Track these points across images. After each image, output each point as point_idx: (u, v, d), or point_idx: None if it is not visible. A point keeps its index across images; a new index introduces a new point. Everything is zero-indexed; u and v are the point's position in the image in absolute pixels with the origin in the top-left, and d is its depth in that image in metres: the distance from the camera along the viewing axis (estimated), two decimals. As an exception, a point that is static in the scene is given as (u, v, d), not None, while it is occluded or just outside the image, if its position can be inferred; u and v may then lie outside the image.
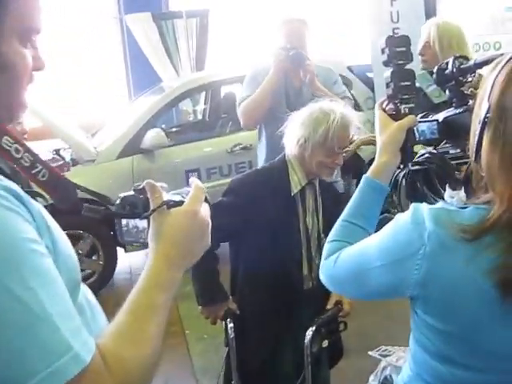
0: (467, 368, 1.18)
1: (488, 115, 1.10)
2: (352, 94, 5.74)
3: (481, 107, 1.13)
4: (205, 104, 7.12)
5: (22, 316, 0.76)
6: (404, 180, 1.55)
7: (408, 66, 1.56)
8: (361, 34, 7.74)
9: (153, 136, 5.05)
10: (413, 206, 1.21)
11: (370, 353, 2.08)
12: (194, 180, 1.11)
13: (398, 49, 1.52)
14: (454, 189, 1.51)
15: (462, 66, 1.53)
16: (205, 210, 1.07)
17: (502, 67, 1.10)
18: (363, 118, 2.52)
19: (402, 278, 1.19)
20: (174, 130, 6.69)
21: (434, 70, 1.60)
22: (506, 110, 1.07)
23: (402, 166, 1.54)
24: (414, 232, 1.15)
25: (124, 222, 1.11)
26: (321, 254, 2.10)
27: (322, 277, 1.44)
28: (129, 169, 5.04)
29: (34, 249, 0.81)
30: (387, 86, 1.54)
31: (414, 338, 1.30)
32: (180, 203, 1.05)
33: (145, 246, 1.06)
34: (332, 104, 2.34)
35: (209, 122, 6.81)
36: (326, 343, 2.10)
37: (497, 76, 1.10)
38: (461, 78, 1.54)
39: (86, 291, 1.03)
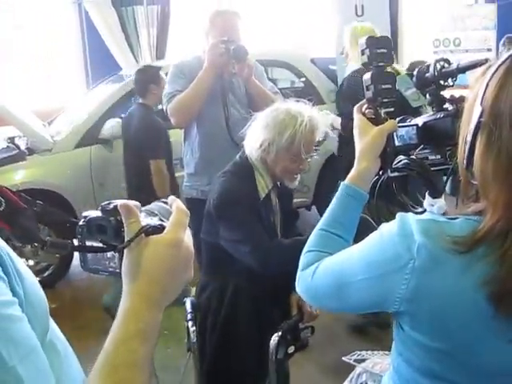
0: None
1: (481, 120, 1.04)
2: (315, 87, 5.76)
3: (472, 112, 1.07)
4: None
5: None
6: (381, 187, 1.49)
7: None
8: (325, 27, 7.73)
9: (112, 126, 4.94)
10: (399, 216, 1.15)
11: (344, 358, 2.03)
12: (174, 200, 0.94)
13: (378, 50, 1.45)
14: (434, 197, 1.46)
15: (443, 70, 1.47)
16: (188, 238, 0.91)
17: (495, 71, 1.05)
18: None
19: (387, 293, 1.13)
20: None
21: (414, 73, 1.53)
22: (501, 114, 1.02)
23: (380, 173, 1.48)
24: (401, 245, 1.09)
25: (88, 242, 0.92)
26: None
27: (298, 289, 1.38)
28: (87, 159, 4.91)
29: (9, 315, 0.70)
30: (367, 88, 1.47)
31: (397, 351, 1.25)
32: (160, 229, 0.89)
33: (114, 275, 0.92)
34: (299, 106, 2.23)
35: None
36: (292, 349, 2.04)
37: (490, 80, 1.04)
38: (441, 82, 1.47)
39: (55, 328, 0.90)
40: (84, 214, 0.94)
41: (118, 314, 0.85)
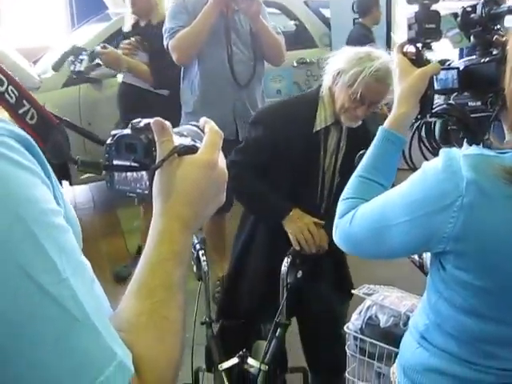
0: (498, 322, 1.14)
1: None
2: (307, 30, 5.66)
3: None
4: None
5: (58, 321, 0.60)
6: (418, 132, 1.46)
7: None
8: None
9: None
10: (444, 152, 1.10)
11: (353, 291, 2.04)
12: (206, 121, 0.89)
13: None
14: (471, 144, 1.39)
15: (492, 11, 1.38)
16: (222, 160, 0.87)
17: None
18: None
19: (431, 233, 1.10)
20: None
21: (459, 12, 1.45)
22: None
23: (419, 117, 1.42)
24: (448, 182, 1.05)
25: (116, 162, 0.86)
26: (333, 196, 2.09)
27: (335, 238, 1.35)
28: (75, 98, 4.81)
29: (58, 224, 0.65)
30: (409, 27, 1.41)
31: (435, 290, 1.23)
32: (193, 149, 0.84)
33: (142, 198, 0.87)
34: (383, 54, 2.16)
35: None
36: (300, 273, 2.05)
37: None
38: (488, 24, 1.39)
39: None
40: (113, 132, 0.88)
41: (150, 236, 0.82)
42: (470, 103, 1.43)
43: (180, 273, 0.79)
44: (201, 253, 2.10)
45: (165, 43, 3.30)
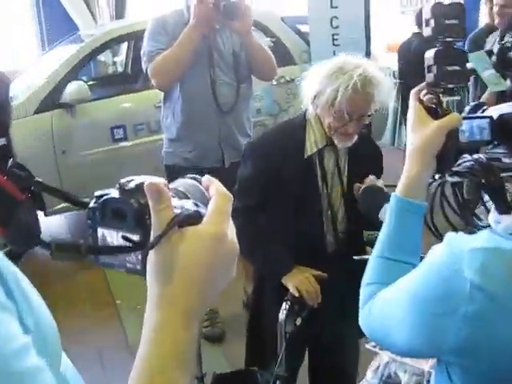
0: None
1: None
2: (286, 47, 5.53)
3: None
4: (127, 55, 6.64)
5: None
6: (437, 193, 1.25)
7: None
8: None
9: (74, 89, 4.63)
10: (447, 240, 0.93)
11: (366, 346, 1.87)
12: (211, 181, 0.74)
13: (447, 21, 1.19)
14: (501, 212, 1.17)
15: None
16: (232, 230, 0.72)
17: None
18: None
19: (434, 339, 0.91)
20: (94, 82, 6.21)
21: (494, 50, 1.27)
22: None
23: (436, 177, 1.22)
24: (450, 283, 0.87)
25: (100, 232, 0.71)
26: (345, 224, 1.95)
27: (362, 328, 1.18)
28: (48, 125, 4.62)
29: (24, 369, 0.52)
30: (428, 69, 1.23)
31: None
32: (197, 218, 0.69)
33: (134, 273, 0.71)
34: (358, 61, 2.02)
35: (131, 74, 6.36)
36: (299, 321, 1.88)
37: None
38: None
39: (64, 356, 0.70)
40: (97, 193, 0.72)
41: (147, 331, 0.66)
42: (504, 159, 1.21)
43: (186, 379, 0.65)
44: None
45: (143, 67, 3.15)
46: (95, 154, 4.73)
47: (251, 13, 3.04)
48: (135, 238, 0.68)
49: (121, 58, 7.07)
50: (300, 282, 2.05)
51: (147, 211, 0.68)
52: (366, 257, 1.86)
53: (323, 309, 2.09)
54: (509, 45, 1.19)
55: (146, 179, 0.69)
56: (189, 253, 0.67)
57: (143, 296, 0.70)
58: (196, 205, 0.71)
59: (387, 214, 1.21)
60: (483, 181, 1.20)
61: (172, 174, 3.21)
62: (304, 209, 2.12)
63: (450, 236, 0.94)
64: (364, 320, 1.16)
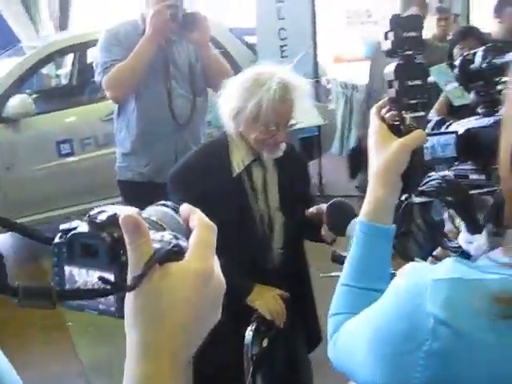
0: None
1: None
2: (233, 58, 5.50)
3: None
4: (72, 67, 6.48)
5: None
6: (404, 215, 1.18)
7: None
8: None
9: (17, 103, 4.49)
10: (410, 270, 0.86)
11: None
12: (191, 210, 0.67)
13: (406, 34, 1.12)
14: (472, 232, 1.13)
15: (494, 61, 1.10)
16: (217, 264, 0.65)
17: None
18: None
19: (397, 381, 0.83)
20: (38, 96, 6.04)
21: (456, 63, 1.17)
22: None
23: (403, 198, 1.15)
24: (411, 318, 0.79)
25: (68, 270, 0.63)
26: (283, 237, 1.91)
27: (331, 360, 1.10)
28: (-10, 141, 4.44)
29: None
30: (389, 85, 1.16)
31: None
32: (180, 253, 0.62)
33: (109, 315, 0.64)
34: (271, 69, 1.97)
35: (77, 87, 6.21)
36: (265, 342, 1.83)
37: None
38: (492, 77, 1.11)
39: None
40: (62, 226, 0.64)
41: (132, 378, 0.59)
42: (471, 176, 1.14)
43: None
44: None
45: (97, 79, 3.05)
46: (41, 169, 4.59)
47: (209, 24, 3.01)
48: (109, 276, 0.61)
49: (65, 70, 6.91)
50: (268, 301, 1.99)
51: (122, 246, 0.61)
52: (333, 274, 1.83)
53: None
54: (471, 57, 1.14)
55: (119, 210, 0.63)
56: (173, 293, 0.60)
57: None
58: (176, 237, 0.65)
59: (353, 239, 1.14)
60: (451, 199, 1.16)
61: (126, 189, 3.16)
62: (240, 227, 2.05)
63: (411, 266, 0.87)
64: (331, 352, 1.09)
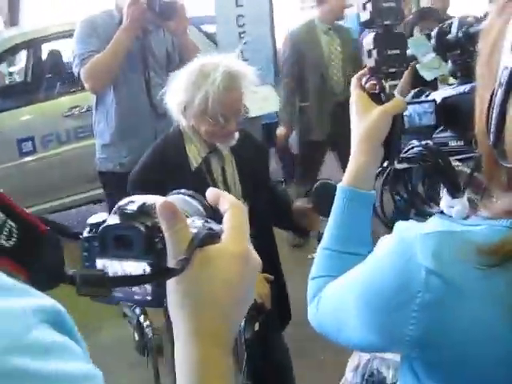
0: None
1: None
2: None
3: (494, 63, 0.79)
4: (26, 64, 6.33)
5: None
6: (387, 181, 1.21)
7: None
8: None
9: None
10: (397, 229, 0.86)
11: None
12: (219, 194, 0.67)
13: (385, 4, 1.14)
14: (453, 196, 1.17)
15: (470, 29, 1.14)
16: (252, 247, 0.66)
17: None
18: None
19: (392, 335, 0.85)
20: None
21: (433, 34, 1.21)
22: None
23: (385, 164, 1.18)
24: (402, 272, 0.81)
25: (100, 263, 0.63)
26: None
27: (312, 324, 1.12)
28: None
29: None
30: (369, 54, 1.17)
31: None
32: (215, 236, 0.63)
33: (144, 305, 0.66)
34: (215, 60, 1.96)
35: (32, 84, 6.06)
36: (257, 326, 1.84)
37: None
38: (468, 46, 1.14)
39: None
40: (90, 220, 0.65)
41: (189, 365, 0.59)
42: (450, 143, 1.19)
43: None
44: (142, 318, 1.83)
45: (75, 70, 3.04)
46: (2, 170, 4.48)
47: (186, 12, 3.01)
48: (146, 265, 0.62)
49: (18, 67, 6.75)
50: (256, 285, 1.99)
51: (156, 234, 0.62)
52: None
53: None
54: (447, 28, 1.17)
55: (148, 199, 0.64)
56: (214, 276, 0.61)
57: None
58: (206, 221, 0.66)
59: (333, 205, 1.16)
60: (432, 165, 1.20)
61: (107, 180, 3.17)
62: None
63: (399, 225, 0.88)
64: (312, 316, 1.11)
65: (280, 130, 4.45)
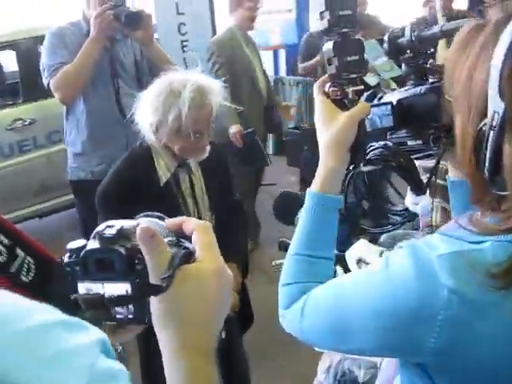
0: None
1: (506, 116, 0.82)
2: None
3: (470, 95, 0.87)
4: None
5: None
6: (352, 184, 1.25)
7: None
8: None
9: None
10: (409, 250, 0.91)
11: (317, 349, 1.84)
12: (178, 220, 0.74)
13: (341, 12, 1.17)
14: (417, 194, 1.23)
15: (422, 34, 1.19)
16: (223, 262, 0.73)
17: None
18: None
19: (406, 346, 0.91)
20: None
21: (385, 38, 1.25)
22: None
23: (351, 167, 1.20)
24: (425, 293, 0.86)
25: (83, 287, 0.66)
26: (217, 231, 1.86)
27: (288, 331, 1.14)
28: None
29: None
30: (329, 62, 1.20)
31: None
32: (190, 255, 0.69)
33: (126, 323, 0.68)
34: (183, 78, 1.98)
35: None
36: (223, 334, 1.85)
37: (504, 61, 0.81)
38: (421, 49, 1.20)
39: None
40: (70, 245, 0.67)
41: (176, 378, 0.64)
42: (409, 142, 1.22)
43: None
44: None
45: (45, 81, 3.06)
46: None
47: (152, 21, 3.06)
48: (128, 286, 0.65)
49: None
50: None
51: (135, 256, 0.66)
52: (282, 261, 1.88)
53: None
54: (398, 32, 1.23)
55: (124, 223, 0.68)
56: (194, 294, 0.66)
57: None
58: (178, 241, 0.71)
59: (302, 210, 1.19)
60: (395, 164, 1.25)
61: (79, 189, 3.20)
62: None
63: (410, 246, 0.92)
64: (291, 323, 1.12)
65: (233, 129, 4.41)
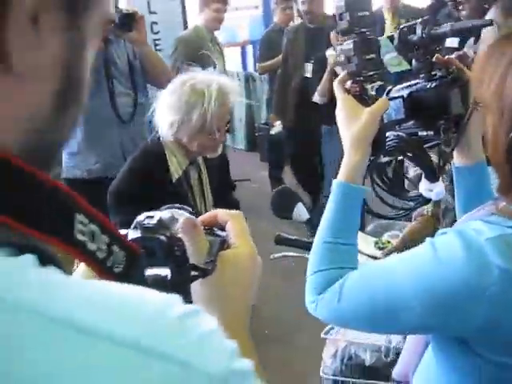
0: None
1: None
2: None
3: (502, 98, 0.96)
4: None
5: None
6: (373, 174, 1.32)
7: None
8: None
9: None
10: (457, 234, 0.99)
11: (323, 335, 1.89)
12: (212, 213, 0.78)
13: (360, 13, 1.23)
14: (431, 180, 1.30)
15: (432, 32, 1.25)
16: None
17: None
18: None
19: (453, 322, 1.00)
20: None
21: (395, 35, 1.31)
22: None
23: (371, 158, 1.26)
24: (476, 271, 0.95)
25: None
26: None
27: (318, 315, 1.18)
28: None
29: None
30: (349, 60, 1.26)
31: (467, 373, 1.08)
32: (224, 241, 0.74)
33: None
34: (205, 77, 2.06)
35: None
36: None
37: None
38: (430, 46, 1.27)
39: None
40: None
41: None
42: (419, 133, 1.31)
43: None
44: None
45: None
46: None
47: (145, 23, 3.11)
48: (166, 271, 0.70)
49: None
50: None
51: (174, 243, 0.70)
52: (280, 254, 1.93)
53: None
54: (406, 29, 1.31)
55: (162, 214, 0.72)
56: (234, 277, 0.71)
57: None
58: (212, 230, 0.76)
59: (329, 200, 1.25)
60: (409, 154, 1.33)
61: (74, 187, 3.11)
62: None
63: (456, 231, 1.01)
64: (326, 307, 1.16)
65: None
